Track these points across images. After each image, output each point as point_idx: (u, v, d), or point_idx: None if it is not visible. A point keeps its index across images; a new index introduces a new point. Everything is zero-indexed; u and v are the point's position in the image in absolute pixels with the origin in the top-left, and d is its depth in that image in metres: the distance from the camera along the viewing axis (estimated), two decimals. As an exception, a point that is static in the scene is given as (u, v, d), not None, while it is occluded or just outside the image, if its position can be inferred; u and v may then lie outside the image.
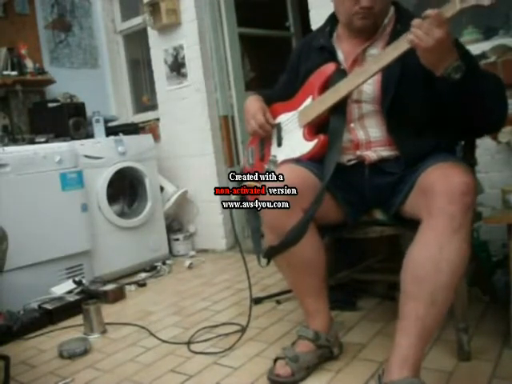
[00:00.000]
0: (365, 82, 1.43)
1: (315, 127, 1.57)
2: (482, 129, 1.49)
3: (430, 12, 1.19)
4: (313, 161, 1.52)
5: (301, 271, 1.49)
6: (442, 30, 1.18)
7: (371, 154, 1.50)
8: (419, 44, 1.21)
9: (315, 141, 1.53)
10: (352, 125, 1.53)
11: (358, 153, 1.52)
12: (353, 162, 1.53)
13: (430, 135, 1.44)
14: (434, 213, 1.22)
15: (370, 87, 1.48)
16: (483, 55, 2.09)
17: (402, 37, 1.30)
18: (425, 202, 1.27)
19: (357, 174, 1.52)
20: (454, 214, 1.20)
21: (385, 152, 1.49)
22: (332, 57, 1.57)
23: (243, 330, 1.80)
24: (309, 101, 1.59)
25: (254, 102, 1.73)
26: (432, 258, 1.21)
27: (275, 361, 1.51)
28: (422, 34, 1.20)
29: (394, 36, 1.41)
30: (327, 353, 1.55)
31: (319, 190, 1.42)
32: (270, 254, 1.49)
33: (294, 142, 1.61)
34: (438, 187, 1.24)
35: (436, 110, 1.43)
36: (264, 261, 1.55)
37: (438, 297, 1.21)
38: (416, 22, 1.22)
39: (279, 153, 1.66)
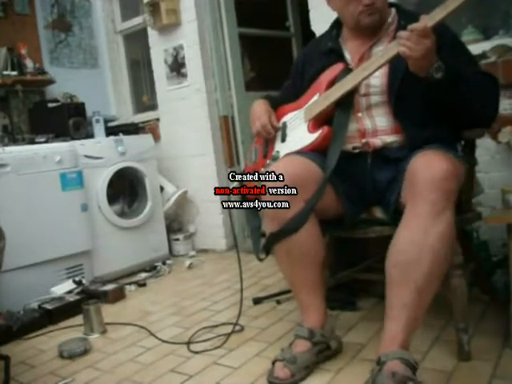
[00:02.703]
0: (370, 74, 1.47)
1: (320, 121, 1.60)
2: (472, 124, 1.52)
3: (416, 25, 1.28)
4: (316, 152, 1.55)
5: (298, 262, 1.51)
6: (430, 39, 1.29)
7: (376, 141, 1.54)
8: (411, 55, 1.30)
9: (319, 132, 1.56)
10: (359, 114, 1.57)
11: (364, 140, 1.55)
12: (358, 150, 1.56)
13: (432, 124, 1.49)
14: (417, 199, 1.27)
15: (378, 80, 1.53)
16: (483, 55, 2.09)
17: None
18: (409, 190, 1.32)
19: (359, 164, 1.55)
20: (435, 200, 1.24)
21: (389, 138, 1.53)
22: (340, 58, 1.62)
23: (234, 327, 1.84)
24: (315, 98, 1.62)
25: (260, 106, 1.78)
26: (415, 243, 1.25)
27: (273, 363, 1.50)
28: (412, 45, 1.29)
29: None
30: (324, 348, 1.53)
31: (322, 180, 1.45)
32: (270, 241, 1.51)
33: (298, 136, 1.64)
34: (421, 174, 1.28)
35: (437, 102, 1.46)
36: (263, 255, 1.56)
37: (422, 282, 1.25)
38: (404, 34, 1.30)
39: (282, 148, 1.69)
